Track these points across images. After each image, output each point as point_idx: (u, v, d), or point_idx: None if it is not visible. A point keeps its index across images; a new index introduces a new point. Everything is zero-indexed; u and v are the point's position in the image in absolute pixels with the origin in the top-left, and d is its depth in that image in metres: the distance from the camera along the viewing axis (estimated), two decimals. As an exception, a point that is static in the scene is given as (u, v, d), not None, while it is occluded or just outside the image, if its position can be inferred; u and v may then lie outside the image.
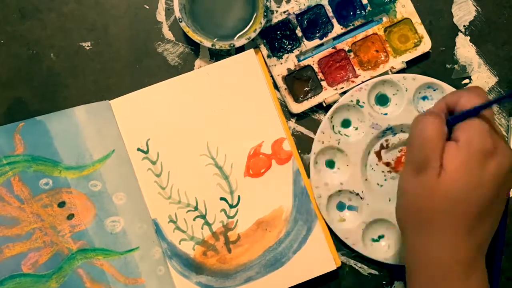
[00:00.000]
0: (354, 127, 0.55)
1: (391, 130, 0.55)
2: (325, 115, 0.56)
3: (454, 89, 0.55)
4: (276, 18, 0.55)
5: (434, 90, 0.55)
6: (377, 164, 0.56)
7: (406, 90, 0.54)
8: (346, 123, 0.56)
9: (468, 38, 0.56)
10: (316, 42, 0.55)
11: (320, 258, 0.54)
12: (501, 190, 0.42)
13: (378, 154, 0.56)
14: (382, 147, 0.56)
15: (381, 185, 0.56)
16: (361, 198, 0.55)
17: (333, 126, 0.55)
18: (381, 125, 0.54)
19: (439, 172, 0.41)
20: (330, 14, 0.55)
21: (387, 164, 0.56)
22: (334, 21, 0.55)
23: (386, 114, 0.55)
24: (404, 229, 0.44)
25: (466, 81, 0.56)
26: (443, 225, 0.41)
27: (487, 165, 0.41)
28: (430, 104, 0.55)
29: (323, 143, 0.55)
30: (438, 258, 0.42)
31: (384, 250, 0.55)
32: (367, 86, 0.54)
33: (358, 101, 0.54)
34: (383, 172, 0.56)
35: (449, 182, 0.40)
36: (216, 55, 0.56)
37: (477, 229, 0.42)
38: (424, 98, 0.55)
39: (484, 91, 0.44)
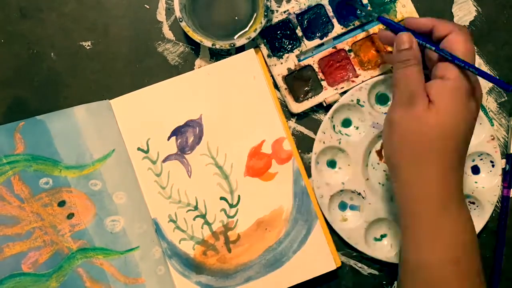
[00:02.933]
0: (354, 126, 0.55)
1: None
2: (325, 115, 0.56)
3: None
4: (277, 17, 0.55)
5: None
6: (378, 163, 0.56)
7: None
8: (346, 123, 0.56)
9: (468, 38, 0.56)
10: (317, 42, 0.55)
11: (320, 258, 0.54)
12: (473, 126, 0.46)
13: (379, 153, 0.56)
14: (383, 146, 0.56)
15: (383, 184, 0.56)
16: (363, 197, 0.55)
17: (333, 126, 0.55)
18: (382, 124, 0.54)
19: (428, 105, 0.43)
20: (331, 14, 0.55)
21: None
22: (335, 21, 0.55)
23: (386, 113, 0.55)
24: (396, 166, 0.46)
25: (466, 81, 0.56)
26: (434, 159, 0.44)
27: (470, 102, 0.44)
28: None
29: (324, 143, 0.55)
30: (428, 192, 0.44)
31: (386, 249, 0.55)
32: (367, 85, 0.54)
33: (358, 101, 0.54)
34: (384, 171, 0.56)
35: (440, 115, 0.43)
36: (216, 55, 0.56)
37: (461, 165, 0.45)
38: None
39: (469, 36, 0.46)
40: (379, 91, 0.55)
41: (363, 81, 0.55)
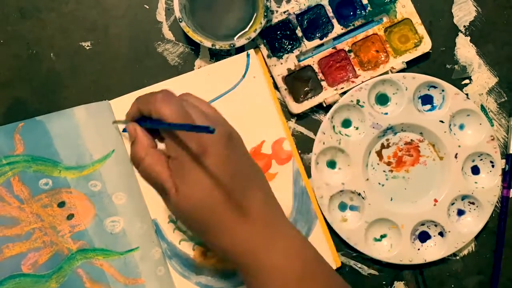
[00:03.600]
0: (354, 127, 0.55)
1: (391, 129, 0.55)
2: (325, 115, 0.56)
3: (454, 88, 0.55)
4: (276, 18, 0.55)
5: (435, 88, 0.55)
6: (378, 164, 0.56)
7: (406, 89, 0.54)
8: (346, 123, 0.56)
9: (468, 38, 0.56)
10: (316, 42, 0.55)
11: (320, 258, 0.54)
12: (237, 164, 0.42)
13: (379, 154, 0.56)
14: (383, 146, 0.56)
15: (383, 185, 0.56)
16: (363, 198, 0.55)
17: (333, 126, 0.55)
18: (382, 124, 0.54)
19: (176, 192, 0.41)
20: (330, 14, 0.55)
21: (388, 163, 0.56)
22: (334, 21, 0.55)
23: (386, 113, 0.55)
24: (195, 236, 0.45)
25: (467, 81, 0.56)
26: (211, 227, 0.41)
27: (204, 165, 0.40)
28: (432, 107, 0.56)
29: (324, 143, 0.55)
30: (237, 249, 0.42)
31: (386, 250, 0.55)
32: (367, 86, 0.54)
33: (358, 101, 0.54)
34: (384, 171, 0.56)
35: (185, 198, 0.40)
36: (216, 55, 0.56)
37: (247, 203, 0.42)
38: (426, 97, 0.55)
39: (170, 97, 0.41)
40: (379, 91, 0.55)
41: (363, 82, 0.55)
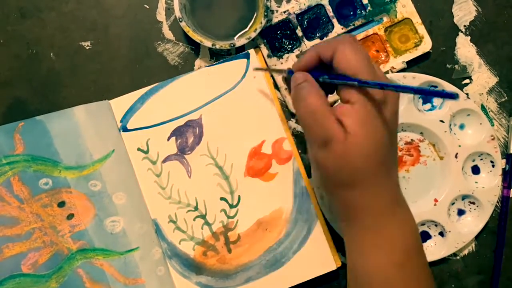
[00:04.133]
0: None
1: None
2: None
3: (454, 88, 0.55)
4: (277, 18, 0.55)
5: (432, 86, 0.55)
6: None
7: None
8: None
9: (469, 38, 0.56)
10: (317, 42, 0.55)
11: (320, 258, 0.54)
12: (397, 122, 0.44)
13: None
14: None
15: (382, 185, 0.56)
16: None
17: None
18: None
19: (344, 136, 0.41)
20: (331, 14, 0.55)
21: None
22: (335, 21, 0.55)
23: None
24: (329, 192, 0.45)
25: (467, 81, 0.56)
26: (364, 180, 0.42)
27: (383, 114, 0.41)
28: (432, 106, 0.56)
29: None
30: (368, 206, 0.43)
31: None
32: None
33: None
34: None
35: (357, 142, 0.41)
36: (216, 55, 0.56)
37: (392, 170, 0.44)
38: (427, 98, 0.56)
39: (359, 48, 0.42)
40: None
41: None
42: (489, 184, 0.55)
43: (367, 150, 0.41)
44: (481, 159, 0.56)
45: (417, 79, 0.54)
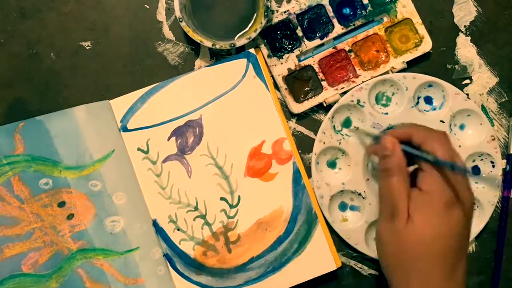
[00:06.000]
0: (355, 127, 0.55)
1: (392, 129, 0.55)
2: (325, 115, 0.56)
3: (454, 88, 0.55)
4: (277, 18, 0.55)
5: (435, 88, 0.55)
6: (378, 164, 0.56)
7: (407, 89, 0.54)
8: (347, 123, 0.56)
9: (469, 38, 0.56)
10: (317, 42, 0.55)
11: (320, 259, 0.54)
12: (468, 228, 0.45)
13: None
14: None
15: (383, 185, 0.56)
16: (363, 198, 0.55)
17: (334, 126, 0.55)
18: (382, 124, 0.54)
19: (407, 220, 0.43)
20: (331, 14, 0.55)
21: None
22: (335, 21, 0.55)
23: (387, 113, 0.55)
24: (388, 275, 0.46)
25: (467, 81, 0.56)
26: (421, 269, 0.43)
27: (452, 212, 0.43)
28: (431, 106, 0.56)
29: (324, 143, 0.55)
30: None
31: (385, 251, 0.55)
32: (367, 85, 0.54)
33: (359, 101, 0.54)
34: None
35: (416, 230, 0.43)
36: (216, 55, 0.56)
37: (457, 268, 0.44)
38: (427, 97, 0.55)
39: (449, 141, 0.45)
40: (380, 91, 0.55)
41: (363, 82, 0.55)
42: (489, 185, 0.55)
43: (424, 240, 0.42)
44: (482, 160, 0.56)
45: (417, 79, 0.54)
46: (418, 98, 0.55)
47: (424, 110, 0.56)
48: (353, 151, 0.55)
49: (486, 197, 0.55)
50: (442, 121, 0.55)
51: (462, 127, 0.56)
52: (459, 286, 0.44)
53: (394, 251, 0.44)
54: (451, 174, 0.43)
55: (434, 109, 0.56)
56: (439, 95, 0.55)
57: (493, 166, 0.56)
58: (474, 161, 0.56)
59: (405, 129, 0.47)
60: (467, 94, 0.56)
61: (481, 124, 0.55)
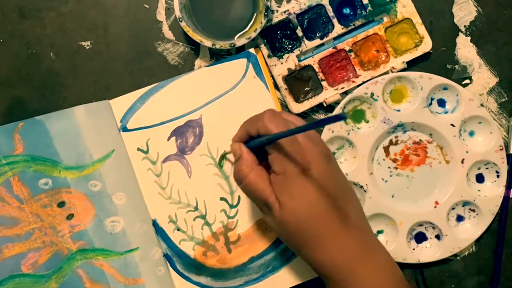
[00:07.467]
0: (365, 120, 0.55)
1: (402, 127, 0.55)
2: (325, 115, 0.56)
3: (468, 93, 0.54)
4: (277, 17, 0.55)
5: (450, 91, 0.55)
6: (384, 159, 0.56)
7: (421, 89, 0.54)
8: (358, 115, 0.55)
9: (469, 38, 0.56)
10: (317, 42, 0.55)
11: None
12: (335, 170, 0.45)
13: (386, 149, 0.56)
14: (391, 143, 0.56)
15: (386, 181, 0.56)
16: (365, 191, 0.55)
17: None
18: (393, 120, 0.54)
19: (280, 206, 0.44)
20: (331, 14, 0.55)
21: (394, 160, 0.56)
22: (335, 21, 0.55)
23: (399, 110, 0.55)
24: (296, 252, 0.47)
25: (467, 81, 0.56)
26: (316, 239, 0.44)
27: (311, 174, 0.43)
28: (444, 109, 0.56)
29: (333, 132, 0.54)
30: (332, 262, 0.44)
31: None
32: (383, 80, 0.54)
33: (372, 94, 0.54)
34: (389, 167, 0.56)
35: (291, 211, 0.43)
36: (216, 55, 0.56)
37: (350, 219, 0.44)
38: (440, 99, 0.55)
39: (275, 115, 0.45)
40: (394, 87, 0.55)
41: (369, 79, 0.55)
42: (491, 194, 0.55)
43: (301, 215, 0.43)
44: (487, 168, 0.56)
45: (433, 80, 0.54)
46: (432, 99, 0.55)
47: (436, 112, 0.55)
48: (361, 144, 0.54)
49: (487, 206, 0.55)
50: (452, 125, 0.54)
51: (471, 133, 0.56)
52: (360, 222, 0.45)
53: (286, 238, 0.45)
54: (293, 142, 0.43)
55: (446, 112, 0.55)
56: (452, 99, 0.55)
57: (498, 176, 0.55)
58: (479, 168, 0.56)
59: (240, 128, 0.48)
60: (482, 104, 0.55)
61: (491, 133, 0.55)
